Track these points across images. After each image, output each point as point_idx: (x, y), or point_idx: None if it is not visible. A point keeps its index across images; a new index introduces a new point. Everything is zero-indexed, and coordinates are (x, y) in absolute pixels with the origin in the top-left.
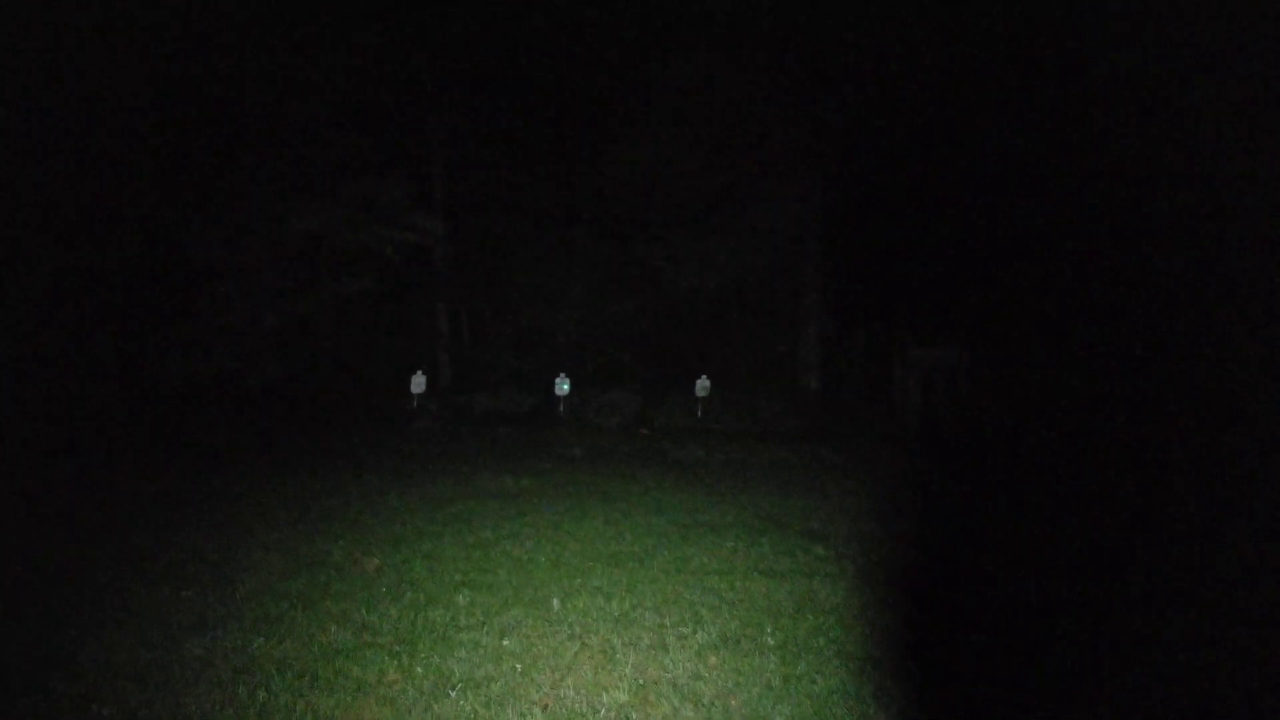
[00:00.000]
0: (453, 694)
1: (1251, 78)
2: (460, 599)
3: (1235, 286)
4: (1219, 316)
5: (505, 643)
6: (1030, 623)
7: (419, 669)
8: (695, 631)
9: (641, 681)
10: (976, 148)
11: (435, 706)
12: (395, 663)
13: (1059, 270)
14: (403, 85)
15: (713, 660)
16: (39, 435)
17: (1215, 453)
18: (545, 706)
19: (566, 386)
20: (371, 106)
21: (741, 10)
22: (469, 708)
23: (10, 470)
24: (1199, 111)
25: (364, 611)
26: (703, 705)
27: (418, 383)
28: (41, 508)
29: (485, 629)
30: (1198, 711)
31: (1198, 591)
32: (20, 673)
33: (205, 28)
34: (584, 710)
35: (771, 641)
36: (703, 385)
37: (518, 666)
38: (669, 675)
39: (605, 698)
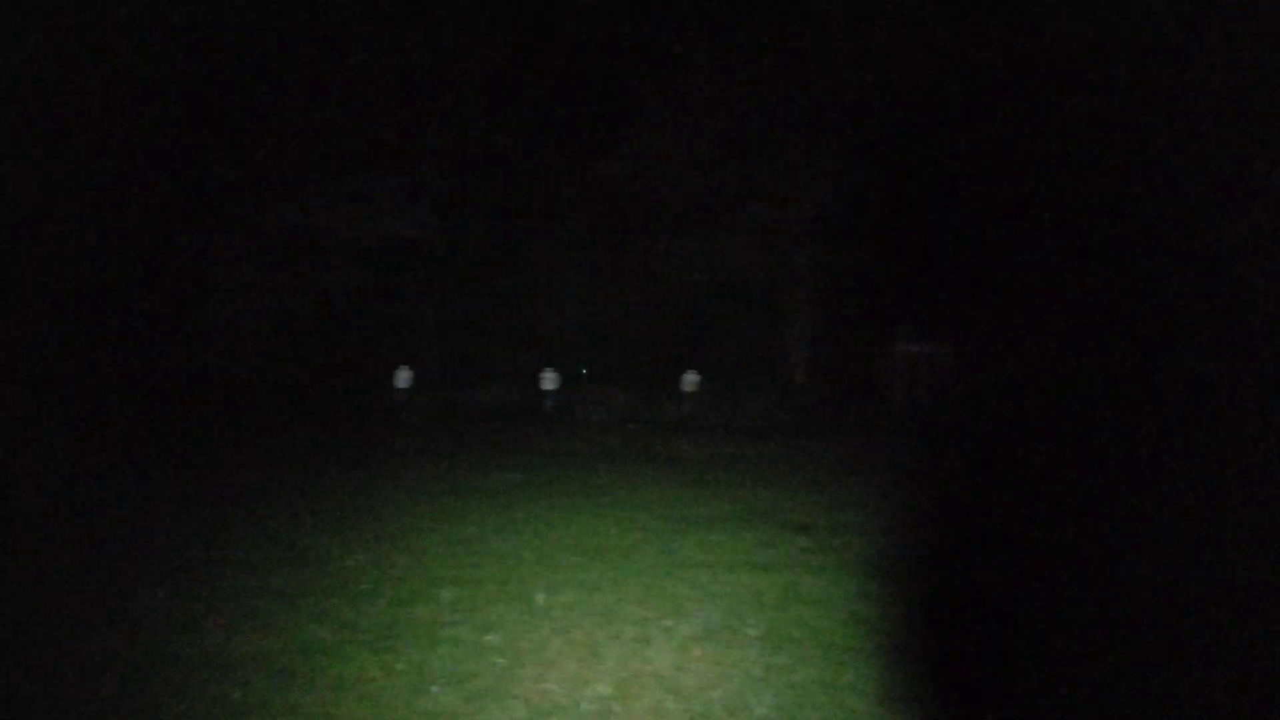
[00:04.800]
0: (434, 690)
1: (1230, 68)
2: (444, 595)
3: (1221, 279)
4: (1201, 309)
5: (489, 638)
6: (1006, 612)
7: (400, 665)
8: (679, 624)
9: (624, 675)
10: (959, 146)
11: (416, 702)
12: (376, 659)
13: (1042, 265)
14: (394, 78)
15: (696, 652)
16: (32, 435)
17: (1201, 440)
18: (528, 701)
19: (554, 382)
20: (362, 100)
21: (739, 11)
22: (451, 703)
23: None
24: (1172, 97)
25: (345, 608)
26: (685, 696)
27: (402, 378)
28: (27, 508)
29: (468, 625)
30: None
31: (1187, 585)
32: None
33: (188, 22)
34: (567, 704)
35: (754, 633)
36: (690, 380)
37: (501, 661)
38: (652, 668)
39: (588, 691)
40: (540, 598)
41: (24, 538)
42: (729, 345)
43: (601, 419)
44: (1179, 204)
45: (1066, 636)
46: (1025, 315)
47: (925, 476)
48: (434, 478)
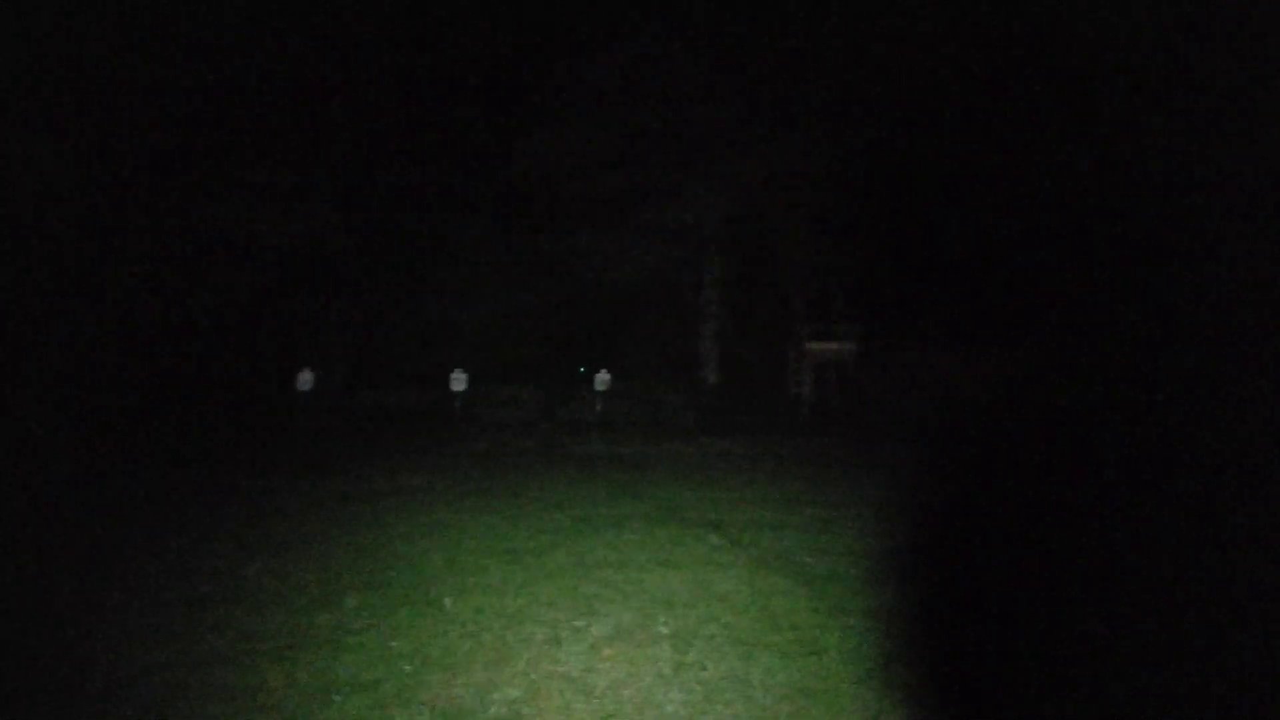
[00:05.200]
0: (338, 698)
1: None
2: (348, 601)
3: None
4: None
5: (394, 644)
6: (918, 606)
7: (302, 674)
8: (590, 625)
9: (534, 677)
10: (872, 148)
11: (320, 711)
12: (278, 668)
13: (948, 264)
14: (293, 71)
15: (606, 652)
16: None
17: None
18: (435, 706)
19: (462, 382)
20: (258, 93)
21: (656, 6)
22: (355, 711)
23: None
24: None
25: (244, 617)
26: (595, 696)
27: (304, 380)
28: None
29: (374, 631)
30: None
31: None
32: None
33: (82, 16)
34: (475, 708)
35: (665, 631)
36: (602, 379)
37: (407, 667)
38: (562, 669)
39: (497, 695)
40: (448, 602)
41: None
42: (641, 344)
43: (512, 419)
44: (1106, 192)
45: (979, 633)
46: (935, 313)
47: (834, 473)
48: (337, 482)
